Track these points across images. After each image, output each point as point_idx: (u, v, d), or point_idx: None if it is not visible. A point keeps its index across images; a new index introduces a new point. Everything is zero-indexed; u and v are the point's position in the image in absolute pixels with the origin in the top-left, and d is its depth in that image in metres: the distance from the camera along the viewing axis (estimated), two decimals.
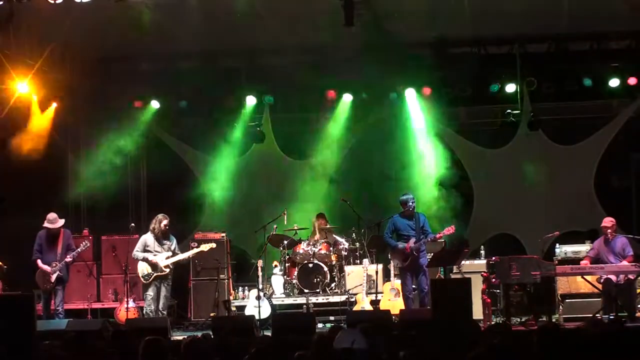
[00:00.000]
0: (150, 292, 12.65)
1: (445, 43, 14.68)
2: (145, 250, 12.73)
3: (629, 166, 15.56)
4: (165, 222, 12.76)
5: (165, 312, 12.67)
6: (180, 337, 8.80)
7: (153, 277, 12.64)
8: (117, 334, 8.70)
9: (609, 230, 12.52)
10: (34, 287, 12.65)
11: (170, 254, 12.72)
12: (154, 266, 12.64)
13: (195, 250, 13.13)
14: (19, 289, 12.63)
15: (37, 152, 14.39)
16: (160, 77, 15.05)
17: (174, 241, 12.88)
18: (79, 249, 12.81)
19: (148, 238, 12.81)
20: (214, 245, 13.32)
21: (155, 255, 12.67)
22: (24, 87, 13.59)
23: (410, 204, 12.43)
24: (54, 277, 12.54)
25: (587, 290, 12.55)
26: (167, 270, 12.67)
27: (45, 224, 12.72)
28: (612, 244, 12.53)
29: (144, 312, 12.83)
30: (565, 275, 12.45)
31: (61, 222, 12.79)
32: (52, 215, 12.75)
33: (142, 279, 12.76)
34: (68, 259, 12.68)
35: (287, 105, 15.45)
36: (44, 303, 12.61)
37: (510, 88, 14.85)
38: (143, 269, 12.72)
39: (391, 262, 13.06)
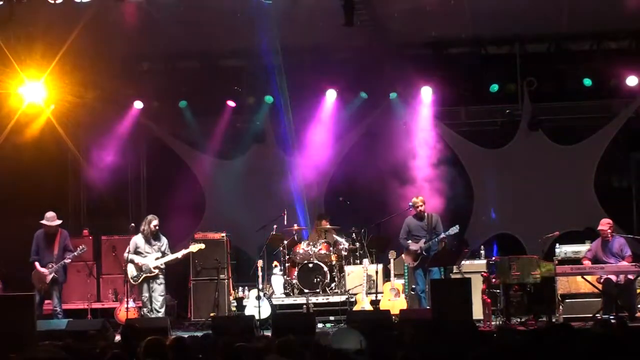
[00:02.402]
0: (145, 294, 12.75)
1: (444, 43, 14.72)
2: (136, 252, 12.78)
3: (629, 166, 15.56)
4: (154, 222, 12.79)
5: (161, 311, 12.68)
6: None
7: (142, 278, 12.71)
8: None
9: (608, 232, 12.53)
10: (34, 288, 12.65)
11: (159, 254, 12.75)
12: (141, 267, 12.69)
13: (184, 252, 13.09)
14: (19, 289, 12.67)
15: (38, 153, 14.43)
16: (160, 77, 15.06)
17: (165, 242, 12.89)
18: (75, 253, 12.82)
19: (138, 240, 12.85)
20: (202, 246, 13.30)
21: (145, 256, 12.71)
22: (36, 92, 13.45)
23: (417, 206, 12.88)
24: (49, 278, 12.56)
25: (587, 290, 12.55)
26: (157, 271, 12.72)
27: (43, 222, 12.72)
28: (610, 245, 12.53)
29: (142, 312, 12.88)
30: (565, 275, 12.45)
31: (58, 221, 12.80)
32: (50, 214, 12.77)
33: (131, 280, 12.83)
34: (66, 260, 12.70)
35: (287, 105, 15.44)
36: (38, 303, 12.60)
37: (510, 88, 14.85)
38: (132, 270, 12.79)
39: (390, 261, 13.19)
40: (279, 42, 14.01)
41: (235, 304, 14.04)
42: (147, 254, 12.74)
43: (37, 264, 12.65)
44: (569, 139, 15.54)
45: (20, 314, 9.70)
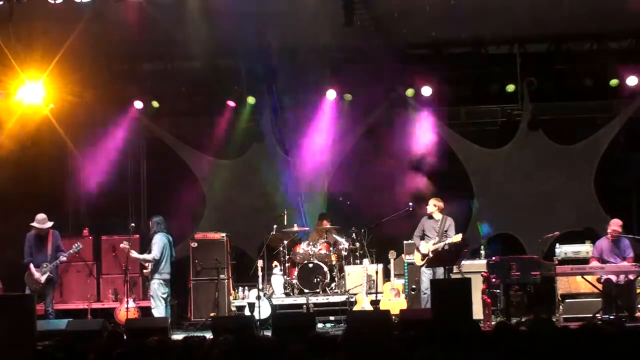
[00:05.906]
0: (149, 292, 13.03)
1: (444, 43, 14.71)
2: None
3: (629, 166, 15.55)
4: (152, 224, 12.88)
5: (155, 312, 12.58)
6: (180, 337, 8.78)
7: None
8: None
9: (610, 231, 12.54)
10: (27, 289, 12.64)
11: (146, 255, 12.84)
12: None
13: (138, 255, 12.97)
14: (18, 289, 12.66)
15: (38, 153, 14.44)
16: (160, 77, 15.05)
17: (153, 242, 12.78)
18: (70, 251, 12.84)
19: None
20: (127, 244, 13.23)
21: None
22: (35, 93, 13.40)
23: (429, 206, 12.88)
24: (43, 279, 12.56)
25: (587, 290, 12.56)
26: (145, 271, 12.91)
27: (34, 224, 12.68)
28: (614, 245, 12.54)
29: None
30: (565, 275, 12.46)
31: (50, 223, 12.77)
32: (41, 216, 12.72)
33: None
34: (62, 258, 12.70)
35: (287, 104, 15.45)
36: None
37: (510, 88, 14.87)
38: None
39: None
40: (279, 42, 14.01)
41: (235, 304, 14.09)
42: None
43: (31, 265, 12.62)
44: (569, 139, 15.52)
45: (20, 314, 9.68)
